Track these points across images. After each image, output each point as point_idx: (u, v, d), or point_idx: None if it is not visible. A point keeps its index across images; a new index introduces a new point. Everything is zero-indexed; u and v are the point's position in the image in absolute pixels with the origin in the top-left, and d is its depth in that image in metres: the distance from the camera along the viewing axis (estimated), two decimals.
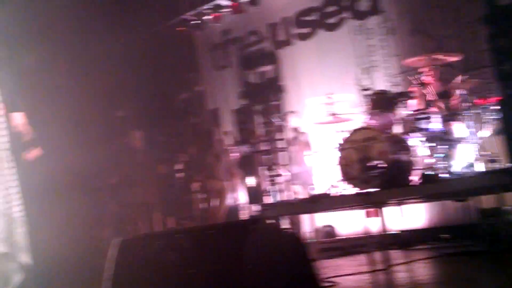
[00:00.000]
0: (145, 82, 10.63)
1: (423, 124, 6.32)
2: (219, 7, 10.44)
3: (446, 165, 6.14)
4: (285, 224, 6.71)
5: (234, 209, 8.67)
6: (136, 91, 10.73)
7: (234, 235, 2.32)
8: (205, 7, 10.48)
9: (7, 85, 3.99)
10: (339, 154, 6.63)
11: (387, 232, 6.16)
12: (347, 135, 6.65)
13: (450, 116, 6.40)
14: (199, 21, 10.70)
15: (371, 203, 5.84)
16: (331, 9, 9.21)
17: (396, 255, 6.02)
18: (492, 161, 6.05)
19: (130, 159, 8.23)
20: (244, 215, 8.77)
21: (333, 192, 6.85)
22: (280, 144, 8.23)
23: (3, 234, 3.75)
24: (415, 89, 6.81)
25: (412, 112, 6.56)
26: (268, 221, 2.68)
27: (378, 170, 6.12)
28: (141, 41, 11.26)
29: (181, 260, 2.36)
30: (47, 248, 5.34)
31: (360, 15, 8.87)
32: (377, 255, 5.60)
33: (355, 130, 6.61)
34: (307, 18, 9.48)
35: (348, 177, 6.49)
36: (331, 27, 9.19)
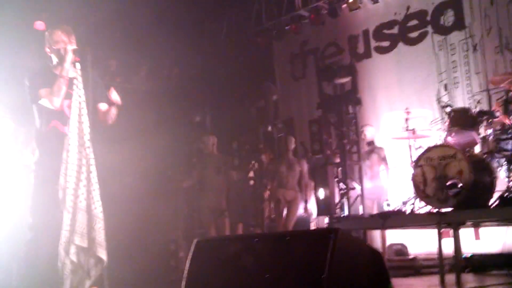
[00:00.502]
0: (223, 89, 10.82)
1: (505, 145, 6.10)
2: (298, 18, 10.50)
3: None
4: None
5: (303, 220, 8.64)
6: (213, 98, 10.94)
7: (313, 244, 2.31)
8: (285, 17, 10.56)
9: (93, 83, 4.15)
10: (414, 170, 6.48)
11: (461, 254, 5.96)
12: (423, 151, 6.50)
13: None
14: (278, 31, 10.79)
15: (446, 223, 5.67)
16: (413, 23, 9.07)
17: (469, 278, 5.83)
18: None
19: (203, 164, 8.36)
20: (313, 226, 8.73)
21: (406, 209, 6.71)
22: (354, 157, 8.14)
23: (84, 230, 3.90)
24: (498, 107, 6.58)
25: (494, 131, 6.33)
26: (348, 234, 2.64)
27: (454, 190, 5.93)
28: (221, 49, 11.49)
29: (256, 264, 2.38)
30: (123, 245, 5.53)
31: (443, 30, 8.69)
32: (450, 277, 5.43)
33: (433, 147, 6.45)
34: (388, 31, 9.37)
35: (422, 195, 6.33)
36: (412, 41, 9.05)
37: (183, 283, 2.58)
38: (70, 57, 4.11)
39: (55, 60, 4.32)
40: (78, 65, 4.11)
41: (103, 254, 3.96)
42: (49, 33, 4.34)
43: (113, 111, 4.35)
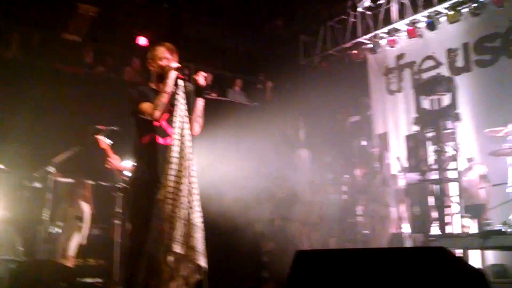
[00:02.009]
0: (317, 103, 10.86)
1: None
2: (394, 31, 10.38)
3: None
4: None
5: (398, 237, 8.48)
6: (308, 111, 11.00)
7: (416, 261, 2.30)
8: (381, 30, 10.47)
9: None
10: None
11: None
12: None
13: None
14: (374, 45, 10.71)
15: None
16: None
17: None
18: None
19: (297, 177, 8.43)
20: (407, 244, 8.54)
21: (507, 229, 6.44)
22: (451, 174, 7.91)
23: (182, 238, 4.05)
24: None
25: None
26: (453, 254, 2.59)
27: None
28: (315, 62, 11.55)
29: (358, 279, 2.40)
30: (219, 255, 5.66)
31: None
32: None
33: None
34: (490, 44, 9.06)
35: None
36: None
37: None
38: (173, 74, 4.30)
39: (155, 74, 4.51)
40: (180, 81, 4.29)
41: (203, 262, 4.09)
42: (153, 49, 4.53)
43: (198, 122, 4.46)
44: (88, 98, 8.79)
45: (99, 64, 10.52)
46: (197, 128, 4.48)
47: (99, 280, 6.92)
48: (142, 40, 10.90)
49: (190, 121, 4.32)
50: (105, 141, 7.05)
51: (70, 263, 7.11)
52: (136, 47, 10.75)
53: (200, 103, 4.42)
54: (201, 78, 4.40)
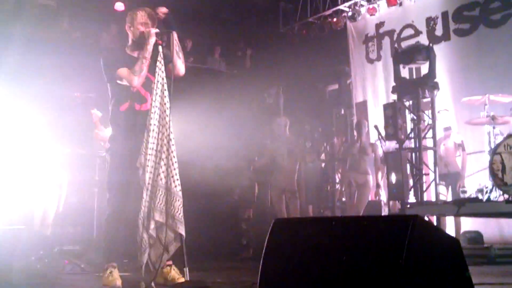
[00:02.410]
0: (296, 71, 10.83)
1: None
2: None
3: None
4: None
5: (375, 204, 8.59)
6: (287, 80, 10.97)
7: (391, 229, 2.33)
8: None
9: None
10: (492, 158, 6.32)
11: None
12: (503, 138, 6.32)
13: None
14: (354, 13, 10.66)
15: None
16: (495, 5, 8.74)
17: None
18: None
19: (275, 146, 8.44)
20: (384, 211, 8.66)
21: (483, 197, 6.57)
22: (429, 143, 8.00)
23: (163, 206, 4.06)
24: None
25: None
26: (426, 221, 2.64)
27: None
28: (295, 30, 11.49)
29: (334, 246, 2.43)
30: (198, 222, 5.70)
31: None
32: None
33: None
34: (468, 13, 9.07)
35: (500, 183, 6.18)
36: (494, 24, 8.72)
37: (261, 261, 2.66)
38: (153, 39, 4.24)
39: (133, 40, 4.43)
40: (160, 47, 4.24)
41: (182, 230, 4.11)
42: (132, 14, 4.44)
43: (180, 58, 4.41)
44: (64, 64, 8.64)
45: (74, 29, 10.31)
46: (181, 67, 4.42)
47: (77, 247, 6.92)
48: (119, 5, 10.69)
49: (173, 63, 4.28)
50: (97, 114, 7.01)
51: (48, 231, 7.10)
52: (113, 12, 10.55)
53: (174, 36, 4.36)
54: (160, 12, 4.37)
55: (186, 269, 4.12)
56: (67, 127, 7.30)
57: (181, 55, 4.43)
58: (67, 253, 6.52)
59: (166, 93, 4.17)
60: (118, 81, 4.31)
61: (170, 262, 4.31)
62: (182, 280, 4.17)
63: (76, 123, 7.43)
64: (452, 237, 2.70)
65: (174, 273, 4.28)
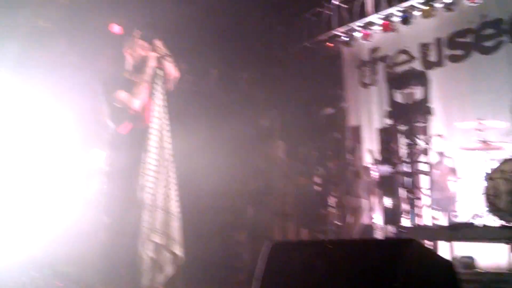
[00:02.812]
0: (292, 95, 10.89)
1: None
2: (369, 24, 10.45)
3: None
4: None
5: (369, 228, 8.59)
6: (282, 102, 11.02)
7: (386, 252, 2.35)
8: (356, 24, 10.53)
9: None
10: (486, 183, 6.35)
11: None
12: (496, 164, 6.35)
13: None
14: (349, 38, 10.77)
15: None
16: (488, 31, 8.85)
17: None
18: None
19: (271, 168, 8.46)
20: (378, 235, 8.66)
21: (477, 222, 6.58)
22: (423, 167, 8.04)
23: (161, 227, 4.06)
24: None
25: None
26: (421, 244, 2.66)
27: None
28: (290, 54, 11.57)
29: (329, 269, 2.44)
30: (194, 244, 5.68)
31: None
32: None
33: (506, 160, 6.31)
34: (462, 39, 9.18)
35: (494, 208, 6.20)
36: (487, 50, 8.82)
37: (256, 283, 2.66)
38: (153, 63, 4.28)
39: (133, 63, 4.47)
40: (158, 71, 4.28)
41: (179, 251, 4.11)
42: (132, 37, 4.49)
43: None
44: (61, 87, 8.65)
45: (71, 52, 10.34)
46: (172, 69, 4.44)
47: (70, 268, 6.85)
48: (115, 28, 10.75)
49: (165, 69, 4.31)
50: None
51: (39, 251, 7.03)
52: (110, 34, 10.60)
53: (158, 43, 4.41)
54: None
55: None
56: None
57: (169, 58, 4.45)
58: (60, 274, 6.45)
59: (164, 115, 4.20)
60: (116, 104, 4.34)
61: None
62: None
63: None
64: (447, 260, 2.72)
65: None
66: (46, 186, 7.21)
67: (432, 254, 2.75)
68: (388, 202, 7.81)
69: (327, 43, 11.06)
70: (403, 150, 8.07)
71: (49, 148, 7.23)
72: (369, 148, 8.82)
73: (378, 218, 8.66)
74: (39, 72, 8.67)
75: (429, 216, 7.89)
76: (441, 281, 2.55)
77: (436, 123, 8.55)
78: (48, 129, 7.43)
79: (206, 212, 7.83)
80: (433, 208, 7.83)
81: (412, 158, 7.84)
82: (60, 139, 7.40)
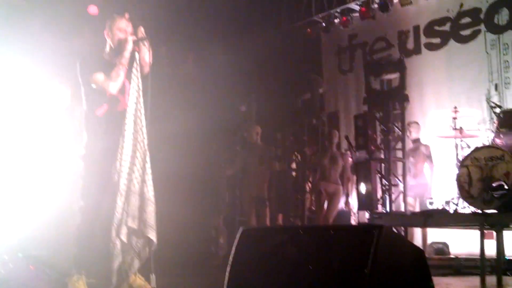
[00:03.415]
0: (269, 80, 10.87)
1: None
2: (348, 11, 10.45)
3: None
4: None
5: (344, 214, 8.66)
6: (260, 88, 11.00)
7: (356, 238, 2.37)
8: (335, 10, 10.52)
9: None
10: (460, 170, 6.42)
11: (504, 257, 5.90)
12: (470, 151, 6.43)
13: None
14: (328, 24, 10.75)
15: (489, 224, 5.62)
16: (465, 20, 8.92)
17: (510, 281, 5.75)
18: None
19: (247, 153, 8.46)
20: (353, 221, 8.74)
21: (450, 208, 6.67)
22: (398, 154, 8.11)
23: (136, 212, 4.04)
24: None
25: None
26: (391, 230, 2.68)
27: (500, 192, 5.87)
28: (269, 39, 11.52)
29: (300, 255, 2.45)
30: (168, 228, 5.66)
31: (496, 29, 8.52)
32: (490, 279, 5.39)
33: (479, 148, 6.38)
34: (439, 28, 9.24)
35: (467, 195, 6.28)
36: (464, 39, 8.90)
37: (228, 269, 2.67)
38: (130, 46, 4.23)
39: (111, 46, 4.41)
40: (137, 54, 4.24)
41: (153, 236, 4.09)
42: (112, 20, 4.42)
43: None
44: (35, 67, 8.51)
45: (46, 32, 10.17)
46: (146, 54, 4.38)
47: (44, 252, 6.80)
48: (92, 9, 10.58)
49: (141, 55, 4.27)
50: None
51: (13, 235, 6.96)
52: (86, 15, 10.43)
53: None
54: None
55: (153, 276, 4.09)
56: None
57: (146, 42, 4.39)
58: (33, 258, 6.40)
59: (141, 99, 4.17)
60: (93, 85, 4.28)
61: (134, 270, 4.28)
62: (149, 287, 4.15)
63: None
64: (417, 247, 2.75)
65: (140, 281, 4.25)
66: (21, 170, 7.13)
67: (402, 240, 2.78)
68: (363, 188, 7.86)
69: (306, 29, 11.03)
70: (379, 137, 8.13)
71: (23, 131, 7.12)
72: (346, 134, 8.85)
73: (353, 204, 8.73)
74: (13, 51, 8.52)
75: (403, 203, 7.97)
76: (411, 267, 2.58)
77: (412, 110, 8.62)
78: (22, 111, 7.32)
79: (181, 197, 7.80)
80: (407, 195, 7.92)
81: (388, 144, 7.90)
82: (35, 122, 7.30)
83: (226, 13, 12.11)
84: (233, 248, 2.61)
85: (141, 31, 4.31)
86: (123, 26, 4.36)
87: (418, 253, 2.61)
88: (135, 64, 4.21)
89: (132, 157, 4.06)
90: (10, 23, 9.06)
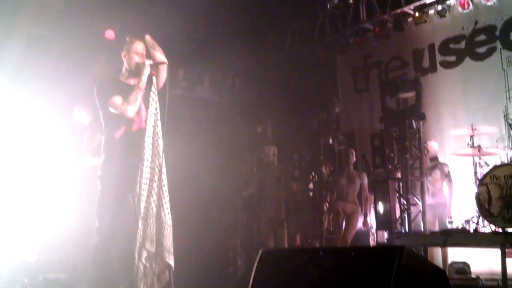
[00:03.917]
0: (285, 101, 10.91)
1: None
2: (363, 31, 10.48)
3: None
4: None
5: (363, 234, 8.59)
6: (275, 109, 11.03)
7: (377, 260, 2.35)
8: (349, 30, 10.56)
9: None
10: (479, 189, 6.37)
11: None
12: (489, 170, 6.38)
13: None
14: (342, 44, 10.78)
15: (511, 243, 5.55)
16: (480, 38, 8.90)
17: None
18: None
19: (263, 174, 8.46)
20: (372, 241, 8.66)
21: (470, 227, 6.60)
22: (416, 173, 8.05)
23: (154, 235, 4.05)
24: None
25: None
26: (413, 251, 2.66)
27: None
28: (284, 61, 11.59)
29: (321, 277, 2.44)
30: (187, 251, 5.67)
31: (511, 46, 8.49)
32: None
33: (499, 166, 6.33)
34: (455, 46, 9.23)
35: (487, 214, 6.21)
36: (480, 57, 8.88)
37: None
38: (147, 70, 4.28)
39: (128, 68, 4.46)
40: (154, 78, 4.28)
41: (170, 260, 4.10)
42: (129, 43, 4.47)
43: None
44: (55, 93, 8.63)
45: (64, 58, 10.31)
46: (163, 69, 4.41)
47: (63, 275, 6.83)
48: (109, 34, 10.72)
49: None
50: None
51: (33, 258, 7.01)
52: (103, 40, 10.57)
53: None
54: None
55: None
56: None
57: (161, 56, 4.43)
58: (53, 281, 6.43)
59: (158, 123, 4.21)
60: (111, 109, 4.33)
61: None
62: None
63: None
64: (438, 268, 2.72)
65: None
66: (40, 191, 7.19)
67: (424, 261, 2.75)
68: (381, 207, 7.81)
69: (321, 50, 11.06)
70: (396, 156, 8.09)
71: (44, 153, 7.20)
72: (363, 154, 8.82)
73: (371, 224, 8.66)
74: (36, 78, 8.67)
75: (422, 222, 7.89)
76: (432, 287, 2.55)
77: (429, 129, 8.58)
78: (43, 134, 7.42)
79: (199, 219, 7.82)
80: (426, 214, 7.84)
81: (405, 163, 7.85)
82: (55, 144, 7.38)
83: (241, 36, 12.21)
84: (253, 270, 2.60)
85: (161, 57, 4.36)
86: (140, 49, 4.41)
87: (440, 273, 2.59)
88: (152, 88, 4.25)
89: (150, 181, 4.08)
90: (31, 52, 9.23)
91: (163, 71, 4.39)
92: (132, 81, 4.36)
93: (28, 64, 9.13)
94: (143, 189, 4.04)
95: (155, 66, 4.31)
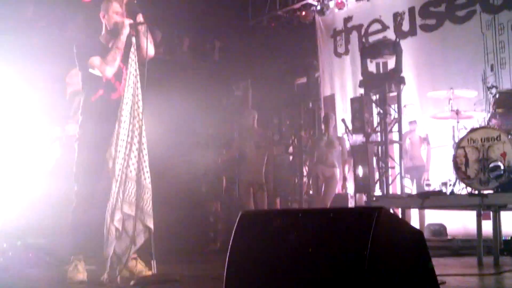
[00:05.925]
0: (265, 64, 10.84)
1: None
2: None
3: None
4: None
5: (342, 197, 8.68)
6: (255, 73, 10.97)
7: (356, 221, 2.37)
8: None
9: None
10: (456, 151, 6.43)
11: (501, 237, 5.93)
12: (467, 132, 6.44)
13: None
14: (322, 7, 10.70)
15: (486, 205, 5.64)
16: (461, 1, 8.88)
17: (507, 261, 5.78)
18: None
19: (243, 138, 8.45)
20: (350, 204, 8.76)
21: (446, 190, 6.69)
22: (395, 136, 8.11)
23: (133, 199, 4.03)
24: None
25: None
26: (390, 213, 2.69)
27: (497, 172, 5.88)
28: (264, 23, 11.48)
29: (300, 239, 2.45)
30: (166, 215, 5.67)
31: (491, 9, 8.49)
32: (487, 260, 5.42)
33: (476, 129, 6.38)
34: (435, 9, 9.20)
35: (464, 176, 6.29)
36: (459, 20, 8.87)
37: (228, 254, 2.68)
38: (126, 30, 4.20)
39: (107, 28, 4.38)
40: (133, 38, 4.20)
41: (150, 223, 4.09)
42: (107, 3, 4.38)
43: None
44: (30, 54, 8.46)
45: (39, 18, 10.08)
46: (150, 48, 4.33)
47: (43, 240, 6.80)
48: None
49: (142, 45, 4.23)
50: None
51: (11, 223, 6.96)
52: (80, 1, 10.34)
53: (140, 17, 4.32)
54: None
55: (154, 262, 4.10)
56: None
57: (149, 36, 4.37)
58: (32, 246, 6.41)
59: (138, 84, 4.15)
60: (90, 70, 4.27)
61: (135, 255, 4.29)
62: (149, 273, 4.16)
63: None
64: (416, 229, 2.75)
65: (140, 266, 4.26)
66: (16, 157, 7.11)
67: (401, 222, 2.78)
68: (360, 171, 7.88)
69: (301, 12, 10.96)
70: (375, 120, 8.13)
71: (18, 117, 7.09)
72: (342, 118, 8.84)
73: (350, 187, 8.75)
74: (7, 38, 8.46)
75: (400, 185, 7.99)
76: (411, 249, 2.59)
77: (408, 92, 8.61)
78: (17, 97, 7.29)
79: (179, 183, 7.81)
80: (404, 177, 7.94)
81: (384, 127, 7.91)
82: (30, 108, 7.27)
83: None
84: (233, 232, 2.62)
85: (140, 18, 4.27)
86: (118, 8, 4.33)
87: (417, 234, 2.62)
88: (132, 49, 4.17)
89: (128, 143, 4.04)
90: (3, 12, 8.99)
91: (143, 31, 4.31)
92: (111, 42, 4.29)
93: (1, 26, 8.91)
94: (120, 152, 4.00)
95: (134, 26, 4.23)
